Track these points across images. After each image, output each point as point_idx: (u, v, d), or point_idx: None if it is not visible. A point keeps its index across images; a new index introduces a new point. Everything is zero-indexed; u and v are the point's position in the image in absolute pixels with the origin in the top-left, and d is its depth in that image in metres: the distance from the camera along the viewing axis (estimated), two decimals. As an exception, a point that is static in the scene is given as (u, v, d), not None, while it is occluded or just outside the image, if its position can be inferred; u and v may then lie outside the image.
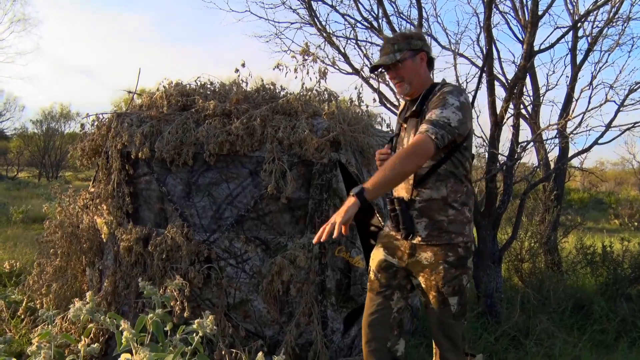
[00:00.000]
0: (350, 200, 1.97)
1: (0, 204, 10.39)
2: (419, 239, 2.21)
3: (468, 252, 2.24)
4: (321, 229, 1.97)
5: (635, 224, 12.17)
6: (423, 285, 2.26)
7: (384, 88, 4.33)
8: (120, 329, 1.41)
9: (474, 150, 4.65)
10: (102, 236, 3.34)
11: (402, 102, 2.53)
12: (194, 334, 1.51)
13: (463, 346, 2.36)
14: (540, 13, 3.65)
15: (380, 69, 2.53)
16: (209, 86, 3.63)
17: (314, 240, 1.98)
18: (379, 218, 3.26)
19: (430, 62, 2.36)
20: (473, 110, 4.14)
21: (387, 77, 2.49)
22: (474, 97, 2.38)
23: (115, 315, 1.59)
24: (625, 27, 4.43)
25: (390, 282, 2.32)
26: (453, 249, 2.18)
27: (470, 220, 2.25)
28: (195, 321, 1.48)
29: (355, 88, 3.76)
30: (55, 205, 3.68)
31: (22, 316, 3.38)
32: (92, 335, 3.08)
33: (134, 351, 1.37)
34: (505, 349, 3.44)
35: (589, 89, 3.90)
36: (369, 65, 4.34)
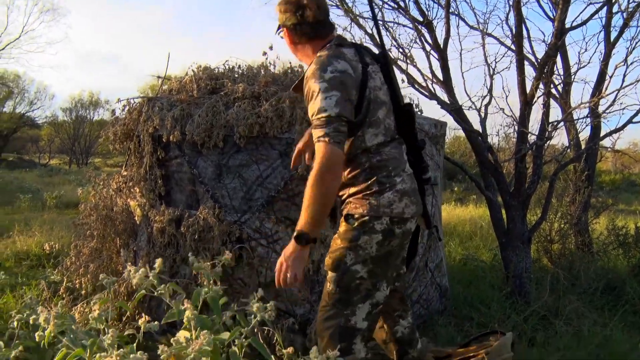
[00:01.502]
0: (300, 249, 1.88)
1: (34, 190, 10.67)
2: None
3: (365, 227, 1.96)
4: (278, 275, 1.92)
5: (669, 206, 11.90)
6: None
7: (412, 69, 4.30)
8: (184, 307, 1.47)
9: (502, 131, 4.60)
10: (136, 218, 3.42)
11: None
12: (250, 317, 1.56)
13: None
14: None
15: None
16: (236, 69, 3.67)
17: (276, 284, 1.93)
18: None
19: (314, 27, 2.05)
20: (503, 89, 4.11)
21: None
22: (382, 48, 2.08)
23: (176, 286, 1.65)
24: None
25: None
26: (345, 221, 2.01)
27: (379, 191, 1.97)
28: (255, 305, 1.53)
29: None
30: (89, 189, 3.77)
31: (63, 295, 3.50)
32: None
33: (192, 330, 1.43)
34: (534, 328, 3.44)
35: (624, 65, 3.80)
36: (396, 47, 4.31)
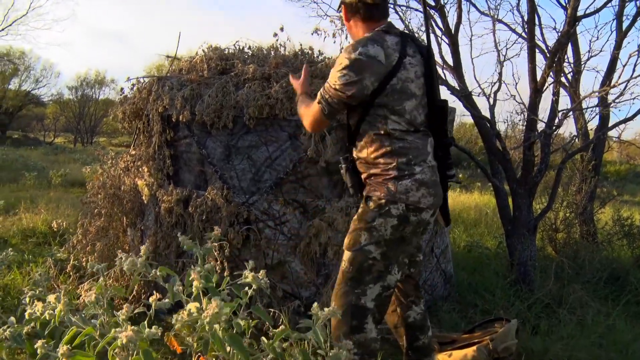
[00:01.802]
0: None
1: (39, 168, 10.70)
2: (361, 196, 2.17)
3: (380, 209, 2.02)
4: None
5: (674, 198, 11.88)
6: None
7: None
8: (191, 278, 1.47)
9: (511, 118, 4.58)
10: (143, 197, 3.44)
11: None
12: (246, 287, 1.57)
13: (369, 339, 2.05)
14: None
15: None
16: (247, 50, 3.65)
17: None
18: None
19: (369, 10, 2.11)
20: (513, 76, 4.07)
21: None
22: (428, 41, 2.19)
23: (167, 269, 1.65)
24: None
25: None
26: (364, 202, 2.08)
27: (397, 177, 2.02)
28: (250, 274, 1.53)
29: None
30: (96, 167, 3.78)
31: (70, 273, 3.53)
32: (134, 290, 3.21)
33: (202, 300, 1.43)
34: (538, 316, 3.45)
35: (638, 54, 3.76)
36: (408, 31, 4.28)
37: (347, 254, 2.09)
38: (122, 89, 3.91)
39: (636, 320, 3.63)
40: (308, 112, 2.16)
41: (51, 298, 1.48)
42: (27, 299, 1.66)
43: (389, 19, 2.18)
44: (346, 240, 2.11)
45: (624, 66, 3.73)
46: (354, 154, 2.16)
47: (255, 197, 3.06)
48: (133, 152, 3.52)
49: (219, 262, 2.92)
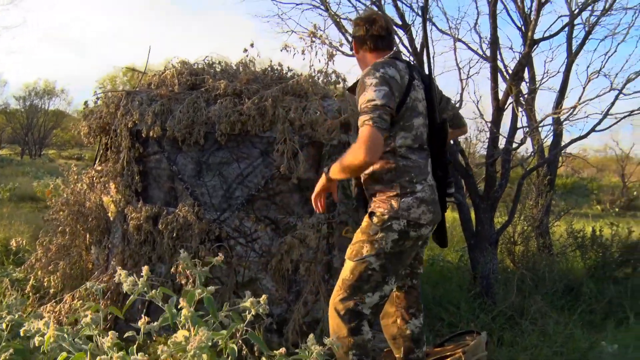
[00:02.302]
0: (321, 178, 2.29)
1: (-15, 181, 10.25)
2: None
3: (384, 224, 2.17)
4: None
5: (617, 209, 12.46)
6: None
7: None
8: (180, 306, 1.46)
9: (476, 135, 4.73)
10: (109, 214, 3.35)
11: None
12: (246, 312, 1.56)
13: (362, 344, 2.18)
14: (543, 0, 3.71)
15: None
16: (216, 65, 3.64)
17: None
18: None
19: (377, 41, 2.35)
20: (474, 94, 4.22)
21: None
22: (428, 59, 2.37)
23: (167, 290, 1.63)
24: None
25: None
26: (368, 217, 2.24)
27: (400, 195, 2.17)
28: (248, 300, 1.53)
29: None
30: (57, 182, 3.67)
31: (29, 294, 3.40)
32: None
33: (191, 328, 1.42)
34: (502, 328, 3.56)
35: (597, 76, 3.97)
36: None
37: (349, 264, 2.24)
38: (86, 102, 3.83)
39: (591, 328, 3.79)
40: (358, 146, 2.06)
41: (39, 324, 1.43)
42: (4, 325, 1.60)
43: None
44: (348, 251, 2.26)
45: (583, 87, 3.91)
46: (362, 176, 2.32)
47: (226, 214, 3.04)
48: (99, 168, 3.43)
49: (191, 281, 2.88)
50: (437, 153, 2.33)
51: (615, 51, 3.96)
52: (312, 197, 2.33)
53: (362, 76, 2.19)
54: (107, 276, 3.21)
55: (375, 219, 2.19)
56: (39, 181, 9.55)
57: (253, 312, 1.53)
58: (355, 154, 2.06)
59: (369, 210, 2.26)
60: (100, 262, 3.39)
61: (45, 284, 3.34)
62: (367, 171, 2.25)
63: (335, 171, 2.18)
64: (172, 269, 2.94)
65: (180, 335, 1.51)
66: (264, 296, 1.58)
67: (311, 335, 1.47)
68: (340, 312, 2.19)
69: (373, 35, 2.34)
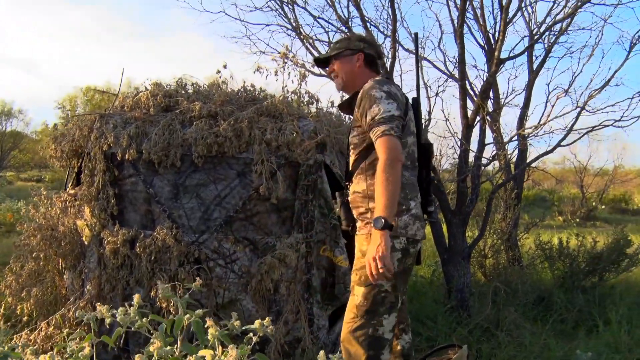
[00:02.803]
0: (381, 236, 1.98)
1: (-58, 206, 9.88)
2: (356, 230, 2.35)
3: None
4: (369, 271, 2.01)
5: (577, 220, 12.81)
6: None
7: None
8: (206, 326, 1.45)
9: (449, 153, 4.83)
10: (83, 238, 3.29)
11: None
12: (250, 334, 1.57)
13: None
14: (508, 21, 3.86)
15: (324, 66, 2.65)
16: (189, 87, 3.64)
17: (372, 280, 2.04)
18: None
19: (371, 63, 2.46)
20: (442, 113, 4.34)
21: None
22: (417, 86, 2.47)
23: (157, 316, 1.62)
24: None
25: None
26: (367, 238, 2.18)
27: (397, 213, 2.17)
28: (257, 322, 1.54)
29: (339, 91, 3.83)
30: (30, 207, 3.58)
31: (0, 322, 3.30)
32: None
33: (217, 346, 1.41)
34: (479, 340, 3.62)
35: (565, 95, 4.13)
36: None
37: (359, 290, 2.21)
38: (55, 124, 3.78)
39: (563, 337, 3.89)
40: (391, 157, 2.06)
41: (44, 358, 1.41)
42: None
43: None
44: (355, 277, 2.24)
45: (550, 104, 4.06)
46: (351, 188, 2.32)
47: (205, 235, 3.03)
48: (72, 192, 3.38)
49: (171, 304, 2.85)
50: (421, 172, 2.38)
51: (582, 71, 4.13)
52: (383, 261, 1.96)
53: (365, 90, 2.23)
54: (83, 301, 3.15)
55: None
56: (0, 205, 9.27)
57: (260, 334, 1.53)
58: (393, 167, 2.03)
59: (362, 232, 2.26)
60: (75, 287, 3.32)
61: (18, 311, 3.25)
62: (358, 189, 2.28)
63: (388, 205, 2.02)
64: (152, 293, 2.91)
65: (207, 353, 1.50)
66: (267, 318, 1.58)
67: (322, 353, 1.48)
68: (359, 339, 2.18)
69: (373, 56, 2.45)
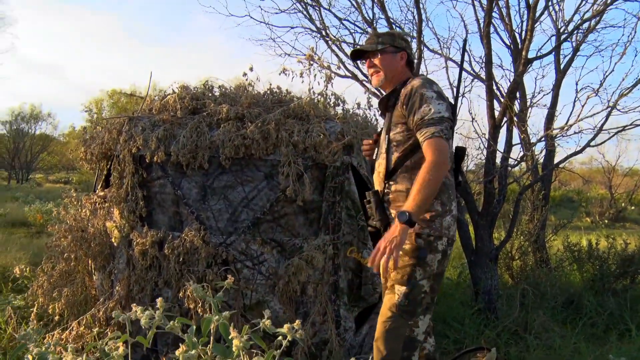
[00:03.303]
0: (400, 230, 1.99)
1: (-25, 207, 10.13)
2: None
3: (430, 246, 2.21)
4: (373, 256, 2.02)
5: (606, 221, 12.58)
6: None
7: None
8: (230, 337, 1.46)
9: (473, 154, 4.79)
10: (113, 240, 3.34)
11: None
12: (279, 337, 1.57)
13: None
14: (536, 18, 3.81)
15: (360, 59, 2.61)
16: (216, 90, 3.67)
17: (369, 264, 2.04)
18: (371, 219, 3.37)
19: (410, 63, 2.48)
20: (469, 113, 4.30)
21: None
22: (457, 94, 2.44)
23: (185, 319, 1.63)
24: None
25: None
26: (410, 238, 2.18)
27: (441, 214, 2.23)
28: (286, 325, 1.55)
29: (365, 92, 3.83)
30: (61, 209, 3.65)
31: (34, 322, 3.36)
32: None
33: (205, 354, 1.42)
34: (507, 343, 3.58)
35: (595, 95, 4.05)
36: (362, 72, 4.45)
37: (401, 288, 2.21)
38: (84, 127, 3.85)
39: (594, 341, 3.82)
40: (438, 159, 2.07)
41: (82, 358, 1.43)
42: (30, 357, 1.59)
43: None
44: (397, 276, 2.22)
45: (578, 104, 3.99)
46: (393, 187, 2.29)
47: (232, 237, 3.05)
48: (101, 194, 3.43)
49: (200, 305, 2.87)
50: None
51: (613, 70, 4.04)
52: (391, 253, 1.98)
53: (416, 88, 2.21)
54: (112, 302, 3.19)
55: (421, 241, 2.20)
56: (30, 206, 9.46)
57: (289, 338, 1.54)
58: (438, 170, 2.04)
59: (413, 231, 2.21)
60: (104, 287, 3.37)
61: (50, 311, 3.31)
62: (401, 187, 2.26)
63: (420, 205, 2.03)
64: (180, 294, 2.94)
65: None
66: (297, 321, 1.58)
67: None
68: (396, 339, 2.19)
69: (412, 57, 2.48)
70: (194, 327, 1.65)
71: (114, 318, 1.64)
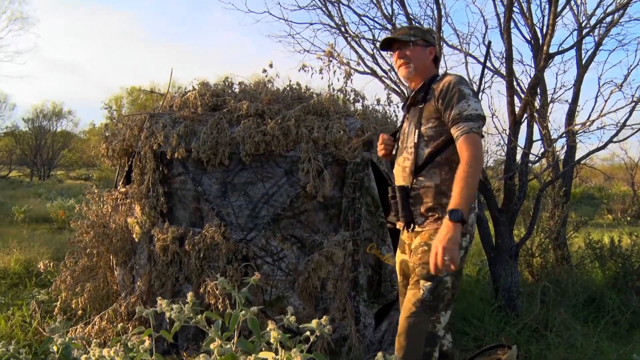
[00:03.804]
0: (455, 228, 1.99)
1: (-1, 203, 10.33)
2: (417, 226, 2.29)
3: None
4: (434, 260, 2.00)
5: (628, 218, 12.39)
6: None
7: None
8: (269, 329, 1.47)
9: (492, 149, 4.76)
10: (134, 236, 3.38)
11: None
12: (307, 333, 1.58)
13: None
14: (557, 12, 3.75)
15: (389, 49, 2.55)
16: (235, 86, 3.69)
17: (432, 270, 2.03)
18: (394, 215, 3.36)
19: (436, 59, 2.48)
20: (489, 109, 4.26)
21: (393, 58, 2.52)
22: (478, 92, 2.47)
23: (212, 314, 1.65)
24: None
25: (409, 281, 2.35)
26: (436, 233, 2.16)
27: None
28: (314, 321, 1.55)
29: (385, 89, 3.83)
30: (83, 205, 3.70)
31: (57, 316, 3.41)
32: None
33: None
34: (528, 340, 3.54)
35: (618, 90, 3.99)
36: (382, 68, 4.43)
37: (426, 284, 2.20)
38: (106, 124, 3.89)
39: (617, 339, 3.77)
40: (476, 154, 2.10)
41: (108, 352, 1.45)
42: (55, 348, 1.62)
43: None
44: (422, 271, 2.21)
45: (597, 97, 3.93)
46: (422, 183, 2.26)
47: (252, 233, 3.06)
48: (123, 190, 3.47)
49: (220, 300, 2.89)
50: None
51: (638, 64, 3.96)
52: (450, 253, 1.98)
53: (453, 84, 2.21)
54: (134, 297, 3.23)
55: None
56: (52, 202, 9.61)
57: (317, 333, 1.54)
58: (479, 160, 2.09)
59: (428, 227, 2.23)
60: (126, 283, 3.41)
61: (73, 305, 3.36)
62: (430, 183, 2.24)
63: (467, 200, 2.04)
64: (201, 289, 2.97)
65: (268, 355, 1.52)
66: (325, 317, 1.59)
67: (379, 355, 1.48)
68: (419, 334, 2.18)
69: (438, 54, 2.51)
70: (220, 321, 1.66)
71: (137, 313, 1.66)
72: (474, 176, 2.05)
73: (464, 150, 2.11)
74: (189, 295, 1.65)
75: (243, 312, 1.60)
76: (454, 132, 2.15)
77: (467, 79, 2.32)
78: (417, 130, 2.30)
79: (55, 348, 1.61)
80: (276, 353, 1.44)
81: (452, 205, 2.03)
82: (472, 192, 2.07)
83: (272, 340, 1.44)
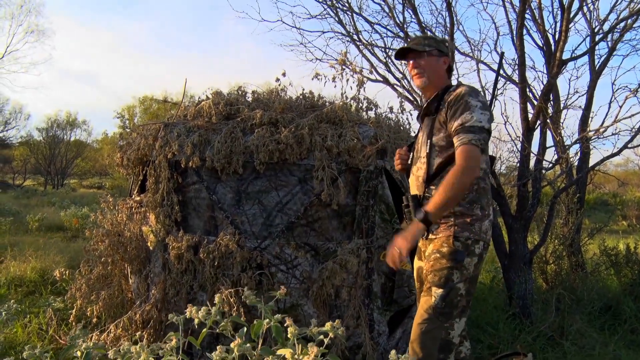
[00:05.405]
0: (417, 226, 2.10)
1: (14, 212, 10.43)
2: (430, 234, 2.31)
3: (468, 249, 2.21)
4: (390, 257, 2.13)
5: (644, 225, 12.26)
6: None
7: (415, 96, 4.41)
8: (286, 325, 1.49)
9: (505, 156, 4.73)
10: (149, 244, 3.41)
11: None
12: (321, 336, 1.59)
13: None
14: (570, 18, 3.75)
15: (404, 58, 2.57)
16: (249, 95, 3.72)
17: (387, 259, 2.14)
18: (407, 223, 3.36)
19: (449, 69, 2.49)
20: (502, 116, 4.25)
21: (408, 68, 2.56)
22: (491, 101, 2.44)
23: (237, 318, 1.66)
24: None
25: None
26: (448, 240, 2.22)
27: (481, 218, 2.24)
28: (328, 323, 1.56)
29: (398, 97, 3.83)
30: (98, 214, 3.73)
31: (73, 324, 3.44)
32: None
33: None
34: (544, 348, 3.52)
35: (634, 95, 3.97)
36: (402, 74, 4.44)
37: (438, 291, 2.22)
38: (121, 134, 3.93)
39: (634, 347, 3.73)
40: (468, 164, 2.10)
41: (135, 349, 1.48)
42: (79, 353, 1.64)
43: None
44: (434, 278, 2.23)
45: (610, 103, 3.91)
46: (433, 192, 2.26)
47: (267, 241, 3.08)
48: (137, 199, 3.50)
49: (235, 308, 2.91)
50: None
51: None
52: (403, 251, 2.09)
53: (461, 95, 2.22)
54: (148, 305, 3.25)
55: (459, 244, 2.21)
56: (66, 211, 9.69)
57: (331, 335, 1.55)
58: (468, 173, 2.08)
59: (442, 234, 2.25)
60: (140, 291, 3.43)
61: (88, 313, 3.38)
62: None
63: (440, 207, 2.10)
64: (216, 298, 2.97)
65: (287, 352, 1.53)
66: (337, 320, 1.60)
67: (393, 352, 1.49)
68: (432, 342, 2.19)
69: (452, 64, 2.51)
70: (245, 328, 1.68)
71: (169, 319, 1.68)
72: (456, 187, 2.07)
73: (457, 160, 2.13)
74: (217, 297, 1.68)
75: (267, 320, 1.61)
76: (455, 142, 2.17)
77: (480, 89, 2.30)
78: (429, 141, 2.33)
79: (79, 353, 1.63)
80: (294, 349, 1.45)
81: (425, 207, 2.11)
82: (450, 200, 2.09)
83: (289, 336, 1.45)
